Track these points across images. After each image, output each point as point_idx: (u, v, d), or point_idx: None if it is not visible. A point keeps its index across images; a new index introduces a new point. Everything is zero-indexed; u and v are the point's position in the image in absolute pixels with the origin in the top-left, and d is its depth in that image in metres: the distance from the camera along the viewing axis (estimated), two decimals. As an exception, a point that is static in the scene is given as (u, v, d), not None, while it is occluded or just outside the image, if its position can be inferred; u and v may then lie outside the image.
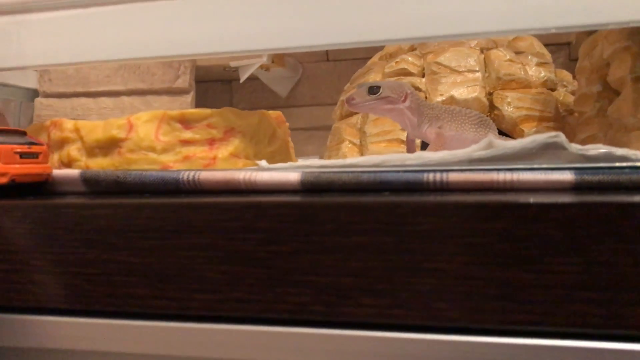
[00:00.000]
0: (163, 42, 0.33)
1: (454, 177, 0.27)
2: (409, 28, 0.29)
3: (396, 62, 0.55)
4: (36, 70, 0.76)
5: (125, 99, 0.72)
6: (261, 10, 0.31)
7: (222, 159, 0.33)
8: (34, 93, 0.77)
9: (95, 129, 0.33)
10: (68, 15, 0.34)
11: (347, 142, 0.55)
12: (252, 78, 0.78)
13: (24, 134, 0.30)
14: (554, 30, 0.29)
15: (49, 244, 0.25)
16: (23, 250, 0.25)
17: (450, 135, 0.42)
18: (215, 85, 0.87)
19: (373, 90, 0.40)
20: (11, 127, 0.31)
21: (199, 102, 0.77)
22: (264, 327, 0.23)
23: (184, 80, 0.70)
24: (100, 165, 0.33)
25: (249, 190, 0.29)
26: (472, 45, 0.54)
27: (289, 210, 0.22)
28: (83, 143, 0.34)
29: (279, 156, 0.37)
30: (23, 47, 0.35)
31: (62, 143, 0.35)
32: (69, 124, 0.34)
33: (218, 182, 0.29)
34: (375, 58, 0.61)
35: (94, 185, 0.31)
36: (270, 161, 0.36)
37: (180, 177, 0.30)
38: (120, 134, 0.33)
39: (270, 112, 0.37)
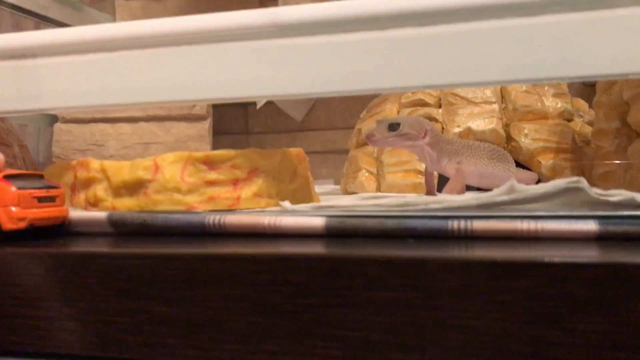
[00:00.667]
0: (181, 86, 0.33)
1: (478, 225, 0.27)
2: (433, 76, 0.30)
3: (412, 92, 0.55)
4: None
5: (143, 124, 0.73)
6: (275, 59, 0.32)
7: (246, 199, 0.34)
8: (53, 119, 0.78)
9: (122, 169, 0.34)
10: (85, 59, 0.35)
11: (364, 170, 0.56)
12: (268, 102, 0.79)
13: (41, 177, 0.31)
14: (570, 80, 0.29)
15: (81, 292, 0.25)
16: (54, 298, 0.26)
17: (469, 170, 0.42)
18: (231, 109, 0.88)
19: (393, 127, 0.41)
20: (30, 171, 0.32)
21: (216, 128, 0.78)
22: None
23: (202, 107, 0.71)
24: (127, 205, 0.34)
25: (274, 234, 0.30)
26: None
27: (319, 263, 0.23)
28: (109, 183, 0.34)
29: (300, 194, 0.37)
30: (42, 90, 0.36)
31: (89, 183, 0.35)
32: (95, 164, 0.35)
33: (243, 226, 0.30)
34: (391, 86, 0.62)
35: (120, 227, 0.31)
36: (292, 199, 0.36)
37: (206, 220, 0.30)
38: (147, 175, 0.33)
39: (292, 149, 0.38)
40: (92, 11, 0.87)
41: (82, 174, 0.36)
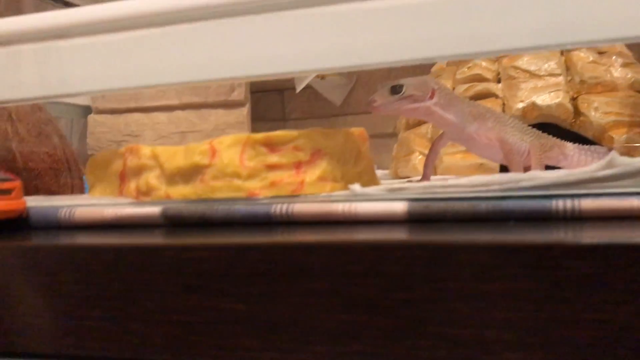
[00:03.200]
0: (222, 63, 0.31)
1: (587, 204, 0.24)
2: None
3: (468, 67, 0.52)
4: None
5: (179, 113, 0.71)
6: (318, 29, 0.29)
7: (310, 184, 0.31)
8: (87, 110, 0.76)
9: (176, 155, 0.32)
10: (113, 39, 0.32)
11: (417, 153, 0.53)
12: (305, 87, 0.76)
13: None
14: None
15: (146, 290, 0.23)
16: (118, 297, 0.23)
17: (512, 141, 0.37)
18: (268, 95, 0.85)
19: (396, 89, 0.36)
20: None
21: (252, 114, 0.75)
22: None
23: (240, 92, 0.68)
24: (182, 193, 0.31)
25: (348, 222, 0.27)
26: (550, 47, 0.51)
27: (419, 251, 0.20)
28: (162, 170, 0.32)
29: (365, 177, 0.34)
30: (77, 73, 0.33)
31: (140, 170, 0.33)
32: (146, 150, 0.32)
33: (314, 214, 0.27)
34: (442, 64, 0.58)
35: (177, 222, 0.29)
36: (357, 182, 0.33)
37: (272, 210, 0.27)
38: (203, 160, 0.31)
39: (354, 129, 0.35)
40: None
41: (132, 161, 0.33)
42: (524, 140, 0.38)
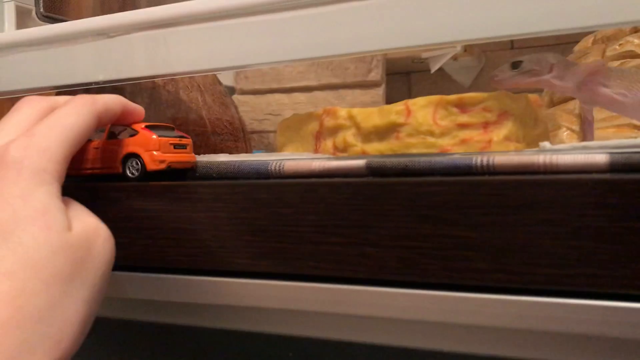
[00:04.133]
0: (361, 38, 0.34)
1: None
2: None
3: (620, 44, 0.52)
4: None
5: (318, 93, 0.75)
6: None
7: (497, 142, 0.34)
8: (231, 91, 0.82)
9: (371, 115, 0.35)
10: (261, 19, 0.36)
11: (564, 129, 0.54)
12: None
13: (173, 129, 0.34)
14: None
15: (381, 219, 0.27)
16: (354, 225, 0.27)
17: (620, 92, 0.39)
18: (394, 78, 0.88)
19: (516, 65, 0.39)
20: (163, 124, 0.35)
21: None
22: (614, 303, 0.23)
23: (377, 73, 0.72)
24: (378, 149, 0.35)
25: (548, 173, 0.29)
26: None
27: (648, 186, 0.22)
28: (358, 129, 0.36)
29: (542, 140, 0.37)
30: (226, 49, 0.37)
31: (336, 130, 0.37)
32: (342, 112, 0.36)
33: (515, 165, 0.30)
34: (586, 42, 0.59)
35: (380, 173, 0.32)
36: (534, 145, 0.36)
37: (473, 162, 0.30)
38: (399, 119, 0.34)
39: (530, 95, 0.37)
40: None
41: (328, 122, 0.37)
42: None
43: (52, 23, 0.52)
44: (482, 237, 0.25)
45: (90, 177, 0.33)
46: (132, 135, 0.32)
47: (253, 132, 0.78)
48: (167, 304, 0.33)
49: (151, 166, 0.31)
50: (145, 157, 0.31)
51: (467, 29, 0.32)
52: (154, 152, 0.31)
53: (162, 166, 0.31)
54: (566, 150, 0.32)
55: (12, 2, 0.50)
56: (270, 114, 0.78)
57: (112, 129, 0.33)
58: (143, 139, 0.32)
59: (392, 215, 0.26)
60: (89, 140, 0.33)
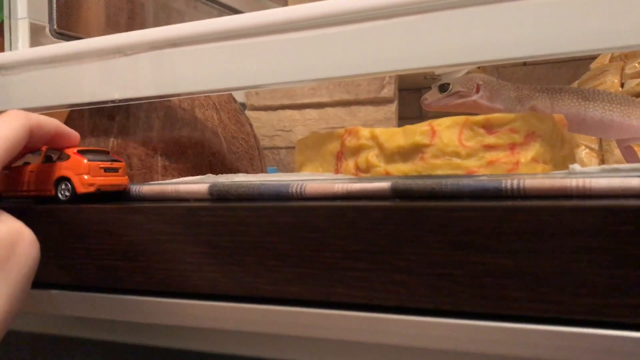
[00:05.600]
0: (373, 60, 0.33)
1: None
2: None
3: (639, 62, 0.52)
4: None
5: (330, 110, 0.75)
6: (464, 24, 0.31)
7: (524, 164, 0.33)
8: (242, 107, 0.82)
9: (395, 135, 0.35)
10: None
11: (583, 147, 0.53)
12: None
13: (107, 153, 0.36)
14: None
15: (413, 246, 0.26)
16: (384, 251, 0.26)
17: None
18: (404, 94, 0.88)
19: (444, 87, 0.40)
20: (98, 148, 0.38)
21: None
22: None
23: (389, 90, 0.71)
24: (402, 170, 0.34)
25: (581, 197, 0.28)
26: None
27: (695, 213, 0.21)
28: (381, 150, 0.35)
29: (569, 161, 0.36)
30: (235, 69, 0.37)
31: (358, 150, 0.36)
32: (365, 131, 0.36)
33: (547, 189, 0.29)
34: (603, 59, 0.58)
35: (406, 196, 0.32)
36: (561, 167, 0.35)
37: (503, 185, 0.30)
38: (424, 140, 0.33)
39: (555, 115, 0.36)
40: (268, 3, 0.90)
41: (350, 141, 0.36)
42: (610, 110, 0.39)
43: (66, 40, 0.52)
44: (518, 265, 0.24)
45: (27, 199, 0.35)
46: (65, 160, 0.34)
47: (264, 148, 0.78)
48: (188, 329, 0.33)
49: (81, 189, 0.33)
50: (75, 180, 0.33)
51: (479, 51, 0.32)
52: (84, 176, 0.33)
53: (92, 189, 0.33)
54: (597, 174, 0.31)
55: (27, 19, 0.49)
56: (281, 130, 0.77)
57: (48, 152, 0.35)
58: (74, 163, 0.33)
59: (424, 241, 0.26)
60: (26, 164, 0.35)
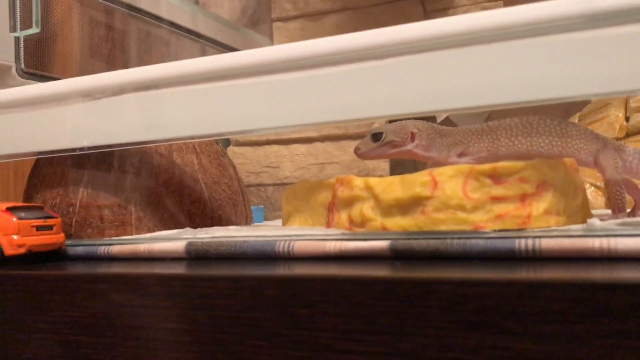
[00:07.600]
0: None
1: None
2: None
3: (644, 95, 0.49)
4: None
5: (318, 145, 0.71)
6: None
7: (537, 217, 0.30)
8: (226, 142, 0.78)
9: (392, 186, 0.31)
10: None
11: (588, 185, 0.50)
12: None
13: (41, 208, 0.34)
14: None
15: (419, 326, 0.22)
16: (386, 332, 0.23)
17: (480, 156, 0.36)
18: (397, 126, 0.85)
19: (377, 137, 0.37)
20: (30, 204, 0.36)
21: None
22: None
23: (380, 123, 0.68)
24: (401, 225, 0.31)
25: (605, 259, 0.25)
26: None
27: None
28: (377, 201, 0.31)
29: (584, 210, 0.33)
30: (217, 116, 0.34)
31: (352, 201, 0.33)
32: (358, 181, 0.32)
33: (566, 251, 0.26)
34: (604, 91, 0.56)
35: (406, 256, 0.28)
36: (575, 217, 0.32)
37: (516, 246, 0.26)
38: (424, 191, 0.30)
39: (565, 159, 0.33)
40: (253, 34, 0.87)
41: (343, 192, 0.33)
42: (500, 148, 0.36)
43: (35, 80, 0.49)
44: (544, 350, 0.20)
45: None
46: None
47: (250, 185, 0.74)
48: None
49: (9, 251, 0.31)
50: (3, 241, 0.31)
51: (469, 96, 0.29)
52: (13, 237, 0.31)
53: (22, 250, 0.31)
54: (620, 230, 0.28)
55: (-9, 58, 0.46)
56: (268, 166, 0.74)
57: None
58: (2, 222, 0.31)
59: (432, 320, 0.22)
60: None
